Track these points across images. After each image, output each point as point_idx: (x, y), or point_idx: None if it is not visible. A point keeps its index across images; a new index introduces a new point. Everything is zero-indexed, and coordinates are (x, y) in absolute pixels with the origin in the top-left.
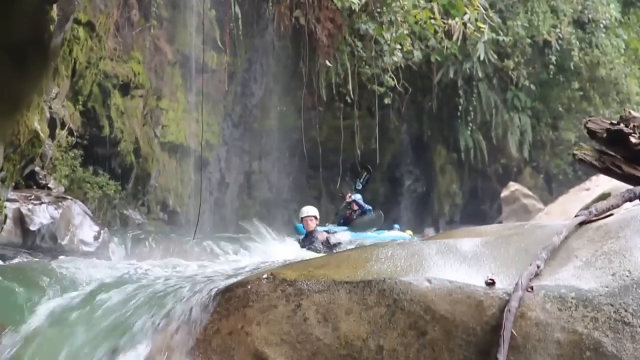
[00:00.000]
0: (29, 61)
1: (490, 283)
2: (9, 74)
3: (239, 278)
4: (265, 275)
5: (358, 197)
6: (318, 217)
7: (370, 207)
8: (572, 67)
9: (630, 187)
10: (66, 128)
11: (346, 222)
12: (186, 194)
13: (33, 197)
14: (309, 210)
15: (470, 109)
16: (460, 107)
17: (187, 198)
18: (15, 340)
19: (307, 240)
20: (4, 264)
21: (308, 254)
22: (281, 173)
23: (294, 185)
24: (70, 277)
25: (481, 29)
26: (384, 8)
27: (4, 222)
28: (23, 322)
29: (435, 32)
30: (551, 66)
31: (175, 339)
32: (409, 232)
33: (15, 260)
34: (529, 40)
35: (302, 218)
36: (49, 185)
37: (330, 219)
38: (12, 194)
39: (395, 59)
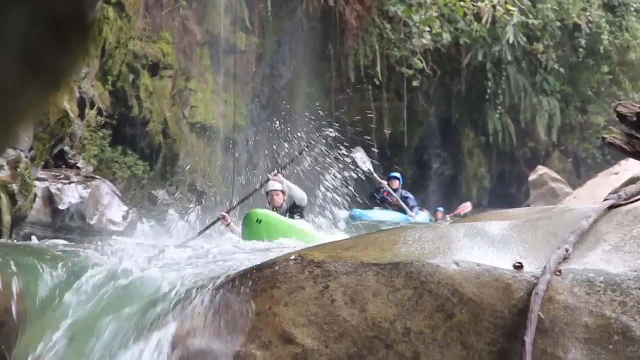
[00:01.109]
0: (69, 37)
1: (519, 266)
2: (49, 50)
3: (267, 259)
4: (293, 257)
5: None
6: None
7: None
8: (602, 51)
9: None
10: (95, 108)
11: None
12: (214, 175)
13: (62, 176)
14: (274, 185)
15: (499, 92)
16: (489, 91)
17: (215, 179)
18: (48, 321)
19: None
20: (37, 242)
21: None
22: (310, 155)
23: (322, 167)
24: (100, 257)
25: (511, 12)
26: None
27: (34, 201)
28: (55, 304)
29: (465, 14)
30: (581, 50)
31: (204, 319)
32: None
33: (46, 240)
34: (558, 24)
35: (267, 193)
36: (78, 165)
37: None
38: (41, 174)
39: (424, 41)
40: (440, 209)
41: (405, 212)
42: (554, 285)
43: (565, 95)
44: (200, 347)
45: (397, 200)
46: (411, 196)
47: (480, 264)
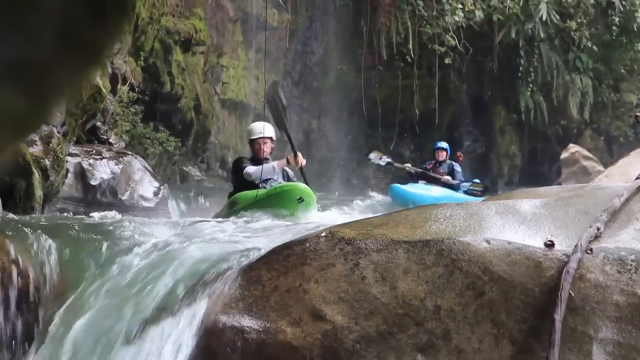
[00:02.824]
0: (107, 11)
1: (550, 244)
2: (86, 24)
3: (298, 236)
4: (323, 234)
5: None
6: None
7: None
8: (636, 29)
9: None
10: (127, 84)
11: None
12: (245, 151)
13: (94, 152)
14: (268, 130)
15: (531, 69)
16: (521, 68)
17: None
18: (84, 295)
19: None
20: (71, 217)
21: None
22: (340, 132)
23: (353, 144)
24: (132, 233)
25: None
26: None
27: (66, 176)
28: (90, 278)
29: None
30: (614, 27)
31: (234, 295)
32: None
33: (81, 215)
34: (592, 1)
35: (252, 140)
36: (110, 140)
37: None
38: (73, 149)
39: (457, 18)
40: (476, 181)
41: (454, 188)
42: (585, 264)
43: (598, 73)
44: (230, 323)
45: (443, 174)
46: (458, 169)
47: (511, 241)
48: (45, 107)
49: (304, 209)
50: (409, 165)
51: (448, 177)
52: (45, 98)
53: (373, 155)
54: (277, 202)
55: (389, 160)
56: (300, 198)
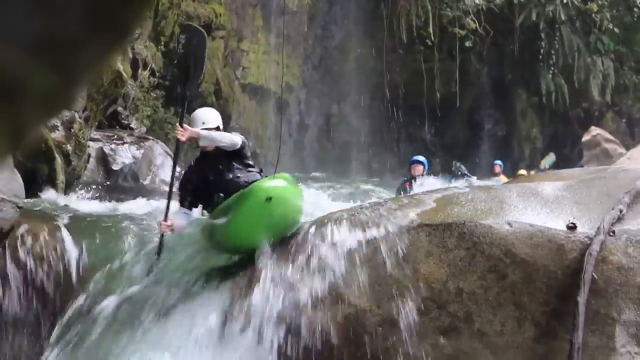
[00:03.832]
0: None
1: (572, 227)
2: (113, 4)
3: (316, 218)
4: (345, 216)
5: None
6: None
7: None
8: None
9: None
10: (148, 69)
11: None
12: (266, 136)
13: (115, 137)
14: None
15: (552, 52)
16: (542, 50)
17: (266, 140)
18: (111, 277)
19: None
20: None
21: None
22: (360, 116)
23: (373, 128)
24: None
25: None
26: None
27: (87, 161)
28: (118, 260)
29: None
30: (635, 9)
31: (261, 275)
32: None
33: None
34: None
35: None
36: (131, 125)
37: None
38: (95, 134)
39: (477, 1)
40: (498, 161)
41: None
42: (608, 246)
43: (620, 55)
44: (257, 302)
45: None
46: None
47: (533, 224)
48: (73, 85)
49: (280, 206)
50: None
51: None
52: (73, 76)
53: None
54: (244, 212)
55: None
56: (268, 197)
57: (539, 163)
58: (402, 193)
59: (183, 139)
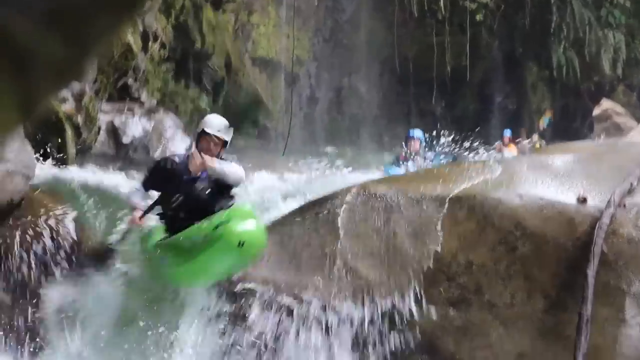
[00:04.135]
0: None
1: (582, 200)
2: None
3: (329, 192)
4: (355, 189)
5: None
6: None
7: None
8: None
9: None
10: (158, 41)
11: None
12: (276, 109)
13: (126, 109)
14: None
15: (563, 25)
16: (553, 24)
17: (276, 113)
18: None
19: None
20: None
21: None
22: (371, 89)
23: (384, 101)
24: None
25: None
26: None
27: (98, 134)
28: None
29: None
30: None
31: (267, 249)
32: None
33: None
34: None
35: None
36: (141, 98)
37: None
38: (105, 106)
39: None
40: (508, 131)
41: None
42: (618, 219)
43: (631, 29)
44: (263, 276)
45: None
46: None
47: (544, 197)
48: (85, 56)
49: (249, 249)
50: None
51: None
52: (85, 46)
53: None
54: (211, 256)
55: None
56: (241, 242)
57: (538, 124)
58: (395, 167)
59: (197, 172)
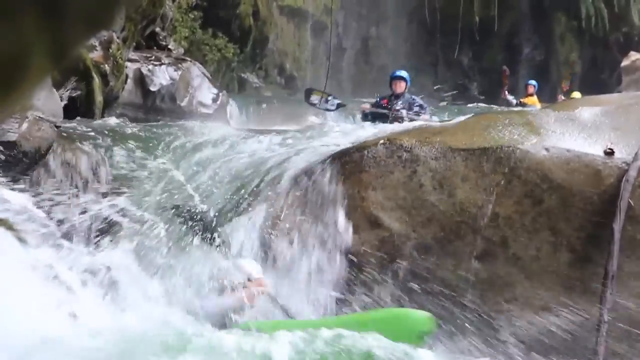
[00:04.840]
0: None
1: (609, 152)
2: None
3: (356, 143)
4: (382, 141)
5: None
6: None
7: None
8: None
9: None
10: None
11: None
12: (303, 59)
13: (153, 57)
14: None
15: None
16: None
17: (304, 62)
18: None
19: None
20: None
21: None
22: (398, 39)
23: (411, 51)
24: (194, 139)
25: None
26: None
27: (125, 82)
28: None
29: None
30: None
31: (292, 201)
32: None
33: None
34: None
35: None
36: (169, 46)
37: (444, 88)
38: (133, 55)
39: None
40: (532, 81)
41: None
42: None
43: None
44: (289, 227)
45: (400, 111)
46: (421, 101)
47: (570, 149)
48: (113, 4)
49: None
50: (367, 105)
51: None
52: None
53: (314, 98)
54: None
55: (338, 101)
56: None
57: (562, 86)
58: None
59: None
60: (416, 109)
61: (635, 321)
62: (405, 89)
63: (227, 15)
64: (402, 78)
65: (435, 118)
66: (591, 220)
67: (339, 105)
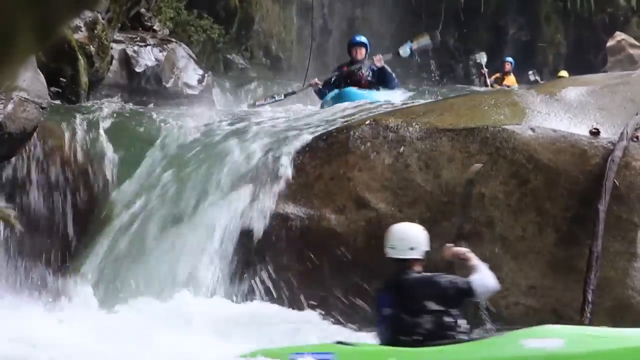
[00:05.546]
0: None
1: (595, 132)
2: None
3: (342, 124)
4: (367, 122)
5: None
6: None
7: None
8: None
9: None
10: None
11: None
12: (289, 40)
13: (138, 38)
14: None
15: None
16: None
17: (290, 44)
18: (135, 178)
19: None
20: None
21: None
22: (384, 20)
23: (397, 32)
24: (179, 120)
25: None
26: None
27: (110, 63)
28: (139, 163)
29: None
30: None
31: (279, 185)
32: None
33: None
34: None
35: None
36: (154, 27)
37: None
38: (118, 35)
39: None
40: (509, 58)
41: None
42: (631, 152)
43: None
44: (275, 210)
45: (362, 75)
46: (385, 67)
47: (556, 129)
48: None
49: None
50: (315, 80)
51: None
52: None
53: (258, 103)
54: None
55: (285, 93)
56: None
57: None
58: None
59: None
60: (393, 82)
61: (619, 300)
62: (366, 55)
63: None
64: (362, 44)
65: (407, 94)
66: (576, 200)
67: (287, 95)
